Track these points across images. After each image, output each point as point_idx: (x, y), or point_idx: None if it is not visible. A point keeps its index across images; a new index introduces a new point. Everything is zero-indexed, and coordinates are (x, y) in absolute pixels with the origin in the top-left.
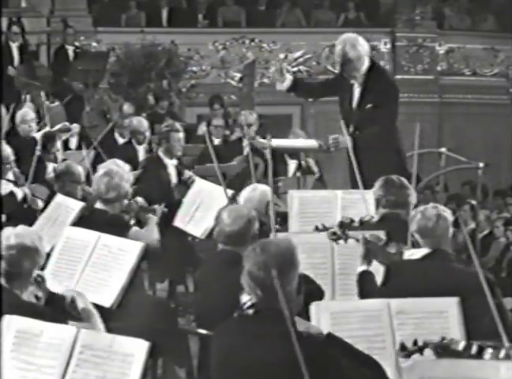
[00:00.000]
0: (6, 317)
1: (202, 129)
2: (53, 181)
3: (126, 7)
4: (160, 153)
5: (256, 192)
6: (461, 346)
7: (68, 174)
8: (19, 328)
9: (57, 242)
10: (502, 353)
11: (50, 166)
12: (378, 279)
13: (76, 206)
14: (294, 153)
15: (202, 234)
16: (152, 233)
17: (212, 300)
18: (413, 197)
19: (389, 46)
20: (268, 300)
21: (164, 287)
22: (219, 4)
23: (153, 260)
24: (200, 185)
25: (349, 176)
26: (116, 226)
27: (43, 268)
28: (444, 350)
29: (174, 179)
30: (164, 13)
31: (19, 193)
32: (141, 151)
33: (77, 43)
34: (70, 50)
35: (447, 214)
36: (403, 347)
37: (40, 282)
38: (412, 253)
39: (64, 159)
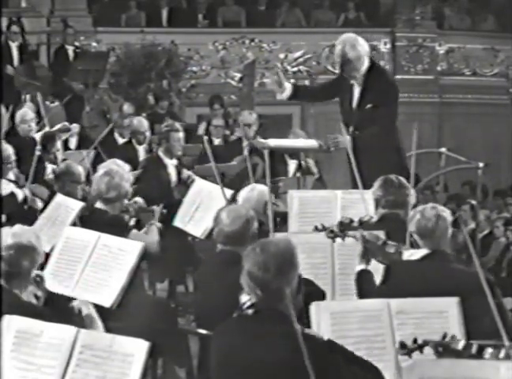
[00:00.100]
0: (6, 317)
1: (202, 129)
2: (53, 182)
3: (126, 7)
4: (160, 153)
5: (254, 192)
6: (461, 345)
7: (68, 174)
8: (19, 328)
9: (57, 242)
10: (502, 353)
11: (49, 168)
12: (377, 278)
13: (76, 206)
14: (294, 153)
15: (202, 234)
16: (153, 240)
17: (212, 300)
18: (412, 197)
19: (389, 46)
20: (267, 300)
21: (164, 287)
22: (219, 4)
23: (152, 262)
24: (200, 185)
25: (350, 176)
26: (116, 226)
27: (42, 268)
28: (444, 348)
29: (174, 179)
30: (164, 13)
31: (19, 194)
32: (141, 151)
33: (77, 43)
34: (70, 50)
35: (446, 214)
36: (402, 345)
37: (39, 281)
38: (411, 254)
39: (64, 159)
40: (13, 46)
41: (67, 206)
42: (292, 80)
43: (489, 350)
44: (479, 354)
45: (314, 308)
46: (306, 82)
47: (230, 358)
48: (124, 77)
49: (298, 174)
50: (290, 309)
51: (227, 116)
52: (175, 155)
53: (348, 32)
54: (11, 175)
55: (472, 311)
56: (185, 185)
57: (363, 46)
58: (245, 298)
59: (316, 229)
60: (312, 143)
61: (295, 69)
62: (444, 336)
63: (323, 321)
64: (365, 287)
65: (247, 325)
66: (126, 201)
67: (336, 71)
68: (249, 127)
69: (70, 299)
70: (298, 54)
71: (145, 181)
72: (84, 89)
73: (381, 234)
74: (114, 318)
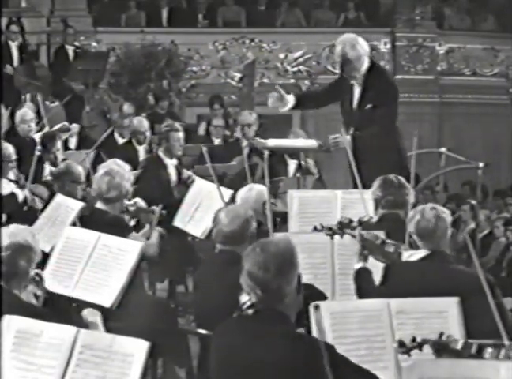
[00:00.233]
0: (6, 317)
1: (202, 129)
2: (53, 182)
3: (126, 7)
4: (160, 153)
5: (252, 192)
6: (460, 345)
7: (68, 174)
8: (19, 328)
9: (57, 242)
10: (502, 353)
11: (48, 169)
12: (377, 277)
13: (76, 206)
14: (294, 153)
15: (202, 234)
16: (152, 242)
17: (212, 300)
18: (411, 196)
19: (389, 46)
20: (267, 300)
21: (164, 287)
22: (219, 4)
23: (150, 264)
24: (200, 185)
25: (350, 176)
26: (116, 226)
27: (42, 268)
28: (443, 347)
29: (174, 179)
30: (164, 13)
31: (20, 195)
32: (141, 152)
33: (77, 43)
34: (70, 50)
35: (446, 215)
36: (401, 344)
37: (39, 281)
38: (410, 254)
39: (64, 159)
40: (13, 46)
41: (67, 206)
42: (292, 80)
43: (489, 349)
44: (478, 354)
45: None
46: (306, 82)
47: (230, 358)
48: (124, 77)
49: (298, 174)
50: (290, 309)
51: (227, 116)
52: (175, 155)
53: (348, 32)
54: (11, 175)
55: (472, 311)
56: (185, 185)
57: (363, 46)
58: (245, 298)
59: (315, 229)
60: (312, 143)
61: (295, 69)
62: (440, 335)
63: (323, 321)
64: (363, 285)
65: (247, 325)
66: (126, 201)
67: (337, 71)
68: (249, 127)
69: (70, 299)
70: (298, 54)
71: (145, 181)
72: (84, 89)
73: (381, 234)
74: (114, 318)
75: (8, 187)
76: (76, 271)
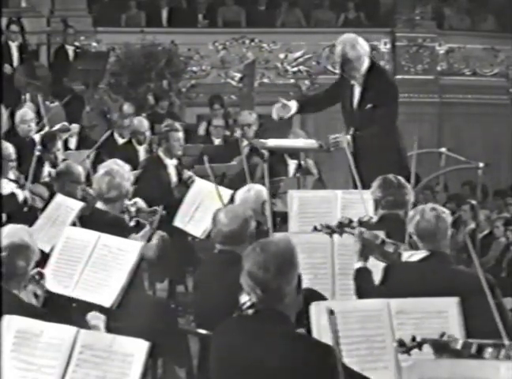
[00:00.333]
0: (6, 317)
1: (202, 129)
2: (53, 182)
3: (126, 7)
4: (160, 153)
5: (251, 192)
6: (460, 344)
7: (68, 174)
8: (19, 328)
9: (57, 242)
10: (502, 353)
11: (46, 171)
12: (377, 277)
13: (76, 206)
14: (294, 153)
15: (202, 234)
16: (150, 244)
17: (211, 300)
18: (411, 196)
19: (389, 46)
20: (267, 300)
21: (164, 286)
22: (219, 4)
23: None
24: (200, 185)
25: (350, 176)
26: (116, 227)
27: (42, 268)
28: (443, 347)
29: (174, 179)
30: (164, 13)
31: (20, 195)
32: (142, 152)
33: (77, 43)
34: (70, 50)
35: (446, 215)
36: (401, 343)
37: (39, 280)
38: (410, 255)
39: (64, 159)
40: (13, 46)
41: (67, 206)
42: (292, 80)
43: (489, 349)
44: (478, 354)
45: (314, 308)
46: (307, 82)
47: (230, 358)
48: (124, 77)
49: (298, 174)
50: (290, 309)
51: (227, 116)
52: (175, 154)
53: (348, 32)
54: (11, 175)
55: (472, 312)
56: (185, 185)
57: (363, 46)
58: (245, 298)
59: (315, 229)
60: (312, 143)
61: (295, 69)
62: (442, 335)
63: (323, 321)
64: (363, 285)
65: (247, 325)
66: (126, 202)
67: (337, 71)
68: (249, 127)
69: (70, 299)
70: (298, 54)
71: (145, 181)
72: (84, 89)
73: (381, 234)
74: (114, 318)
75: (8, 187)
76: (76, 271)
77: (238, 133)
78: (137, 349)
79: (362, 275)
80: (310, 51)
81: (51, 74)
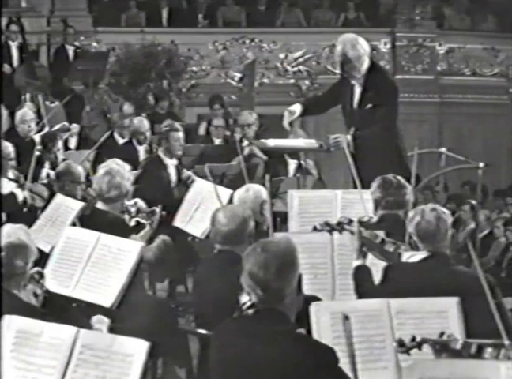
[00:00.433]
0: (6, 317)
1: (202, 129)
2: (53, 182)
3: (126, 7)
4: (160, 153)
5: (249, 192)
6: (460, 344)
7: (68, 174)
8: (19, 328)
9: (57, 242)
10: (502, 353)
11: (44, 172)
12: (377, 277)
13: (76, 206)
14: (294, 153)
15: (202, 234)
16: (151, 250)
17: (211, 300)
18: (411, 196)
19: (389, 46)
20: (268, 300)
21: (164, 287)
22: (219, 4)
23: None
24: (200, 185)
25: (350, 176)
26: (116, 227)
27: (42, 268)
28: (443, 347)
29: (174, 179)
30: (164, 13)
31: (19, 195)
32: (142, 152)
33: (77, 43)
34: (70, 50)
35: (446, 216)
36: (401, 343)
37: (38, 279)
38: (410, 255)
39: (64, 159)
40: (13, 46)
41: (67, 206)
42: (292, 80)
43: (489, 349)
44: (478, 354)
45: (314, 308)
46: (307, 82)
47: (230, 358)
48: (124, 77)
49: (298, 174)
50: (290, 309)
51: (227, 116)
52: (175, 154)
53: (348, 32)
54: (10, 174)
55: (472, 312)
56: (185, 185)
57: (363, 45)
58: (245, 298)
59: (315, 229)
60: (312, 143)
61: (295, 69)
62: (441, 334)
63: (323, 321)
64: (362, 282)
65: (247, 325)
66: (126, 202)
67: (337, 71)
68: (249, 127)
69: (70, 299)
70: (298, 54)
71: (145, 181)
72: (84, 89)
73: (381, 234)
74: (114, 318)
75: (7, 186)
76: (76, 271)
77: (238, 133)
78: (137, 349)
79: (361, 273)
80: (310, 51)
81: (51, 74)
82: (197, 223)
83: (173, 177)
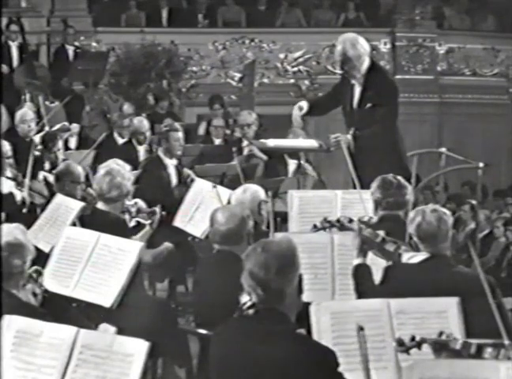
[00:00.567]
0: (6, 317)
1: (202, 129)
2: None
3: (126, 7)
4: (160, 153)
5: (247, 193)
6: (459, 344)
7: (68, 174)
8: (19, 328)
9: (57, 242)
10: (502, 353)
11: (41, 174)
12: (377, 277)
13: (76, 206)
14: (294, 153)
15: (202, 234)
16: (149, 253)
17: (211, 300)
18: (411, 196)
19: (389, 46)
20: (268, 300)
21: (164, 287)
22: (219, 4)
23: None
24: (200, 185)
25: (350, 176)
26: (116, 227)
27: (42, 268)
28: (442, 347)
29: (174, 179)
30: (164, 13)
31: (18, 195)
32: (142, 152)
33: (77, 43)
34: (70, 50)
35: (447, 217)
36: (400, 343)
37: (36, 278)
38: (411, 256)
39: (64, 159)
40: (13, 46)
41: (67, 206)
42: (292, 80)
43: (488, 349)
44: (478, 354)
45: (314, 308)
46: (306, 82)
47: (230, 358)
48: (124, 77)
49: (298, 174)
50: (290, 309)
51: (227, 116)
52: (175, 154)
53: (348, 32)
54: (8, 172)
55: (473, 313)
56: (185, 185)
57: (363, 45)
58: (245, 298)
59: (315, 227)
60: (312, 143)
61: (295, 69)
62: (440, 334)
63: (323, 321)
64: (362, 281)
65: (247, 325)
66: (126, 202)
67: (337, 71)
68: (249, 127)
69: (70, 299)
70: (298, 54)
71: (145, 181)
72: (84, 89)
73: (381, 233)
74: (114, 318)
75: (5, 184)
76: (76, 271)
77: (238, 133)
78: (137, 349)
79: (361, 272)
80: (310, 51)
81: (51, 74)
82: (197, 223)
83: (173, 177)
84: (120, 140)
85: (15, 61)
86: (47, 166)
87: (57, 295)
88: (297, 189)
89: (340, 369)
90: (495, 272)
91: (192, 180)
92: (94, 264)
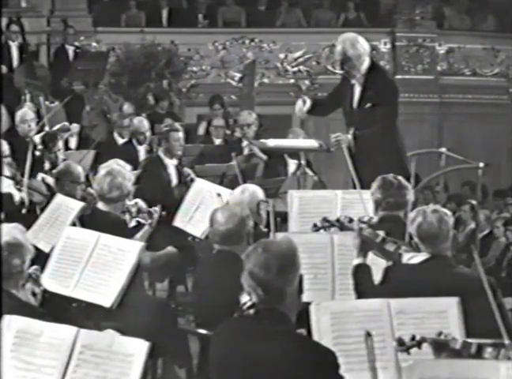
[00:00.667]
0: (6, 317)
1: (202, 129)
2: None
3: (126, 7)
4: (161, 153)
5: (245, 193)
6: (459, 344)
7: (68, 174)
8: (19, 328)
9: (57, 242)
10: (502, 353)
11: (40, 176)
12: (377, 277)
13: (76, 206)
14: (294, 153)
15: (202, 234)
16: (148, 255)
17: (211, 300)
18: (411, 196)
19: (389, 46)
20: (268, 300)
21: (164, 287)
22: (219, 4)
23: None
24: (200, 185)
25: (350, 176)
26: (116, 227)
27: (43, 268)
28: (442, 346)
29: (174, 179)
30: (164, 13)
31: (16, 196)
32: (142, 152)
33: (77, 43)
34: (70, 50)
35: (448, 217)
36: (400, 342)
37: (36, 278)
38: (411, 257)
39: (64, 159)
40: (13, 46)
41: (67, 206)
42: (292, 80)
43: (488, 349)
44: (478, 354)
45: (314, 308)
46: (307, 82)
47: (230, 357)
48: (124, 77)
49: (298, 174)
50: (290, 309)
51: (227, 116)
52: (175, 154)
53: (348, 32)
54: (6, 172)
55: (473, 314)
56: (185, 185)
57: (363, 45)
58: (245, 298)
59: (315, 226)
60: (312, 143)
61: (295, 69)
62: (439, 334)
63: (323, 321)
64: (362, 281)
65: (248, 325)
66: (127, 202)
67: (337, 71)
68: (249, 127)
69: (70, 299)
70: (298, 54)
71: (145, 181)
72: (84, 89)
73: (381, 233)
74: (114, 318)
75: (4, 183)
76: (76, 271)
77: (238, 133)
78: (137, 349)
79: (361, 272)
80: (310, 51)
81: (51, 74)
82: (197, 223)
83: (173, 177)
84: (120, 140)
85: (15, 61)
86: (47, 166)
87: (57, 295)
88: (297, 189)
89: (341, 369)
90: (495, 271)
91: (192, 179)
92: (94, 264)
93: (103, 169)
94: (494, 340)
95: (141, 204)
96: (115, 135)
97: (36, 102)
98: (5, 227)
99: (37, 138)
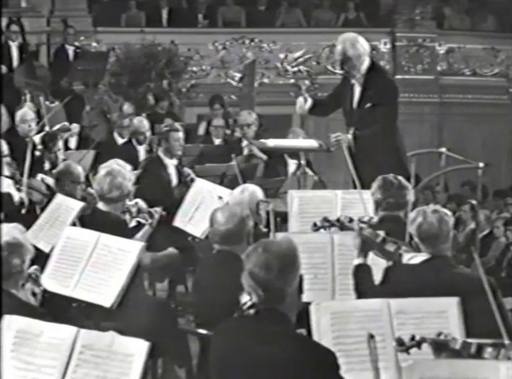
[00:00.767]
0: (6, 317)
1: (202, 129)
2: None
3: (126, 7)
4: (161, 153)
5: (245, 193)
6: (459, 344)
7: (68, 174)
8: (19, 328)
9: (57, 242)
10: (502, 353)
11: (39, 176)
12: (377, 277)
13: (76, 206)
14: (294, 153)
15: (202, 234)
16: (148, 256)
17: (211, 300)
18: (411, 196)
19: (389, 46)
20: (269, 300)
21: (164, 287)
22: (219, 4)
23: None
24: (200, 185)
25: (350, 176)
26: (116, 227)
27: (43, 268)
28: (442, 346)
29: (174, 179)
30: (164, 13)
31: (16, 196)
32: (142, 152)
33: (77, 43)
34: (70, 50)
35: (448, 217)
36: (400, 342)
37: (36, 278)
38: (411, 257)
39: (64, 159)
40: (13, 46)
41: (67, 206)
42: (292, 80)
43: (488, 349)
44: (478, 354)
45: (314, 308)
46: (307, 82)
47: (230, 357)
48: (124, 77)
49: (298, 174)
50: (291, 309)
51: (227, 116)
52: (175, 154)
53: (348, 32)
54: (5, 171)
55: (474, 314)
56: (185, 185)
57: (363, 45)
58: (245, 298)
59: (315, 226)
60: (312, 143)
61: (295, 69)
62: (439, 335)
63: (323, 321)
64: (362, 281)
65: (248, 325)
66: (127, 202)
67: (337, 71)
68: (248, 127)
69: (70, 299)
70: (298, 54)
71: (145, 181)
72: (84, 89)
73: (382, 233)
74: (114, 318)
75: (4, 183)
76: (76, 271)
77: (238, 133)
78: (137, 349)
79: (361, 272)
80: (310, 51)
81: (51, 74)
82: (197, 223)
83: (173, 177)
84: (120, 140)
85: (15, 62)
86: (46, 166)
87: (57, 295)
88: (297, 189)
89: (341, 369)
90: (495, 272)
91: (192, 179)
92: (94, 264)
93: (103, 169)
94: (494, 340)
95: (141, 204)
96: (115, 135)
97: (36, 102)
98: (5, 226)
99: (37, 138)
